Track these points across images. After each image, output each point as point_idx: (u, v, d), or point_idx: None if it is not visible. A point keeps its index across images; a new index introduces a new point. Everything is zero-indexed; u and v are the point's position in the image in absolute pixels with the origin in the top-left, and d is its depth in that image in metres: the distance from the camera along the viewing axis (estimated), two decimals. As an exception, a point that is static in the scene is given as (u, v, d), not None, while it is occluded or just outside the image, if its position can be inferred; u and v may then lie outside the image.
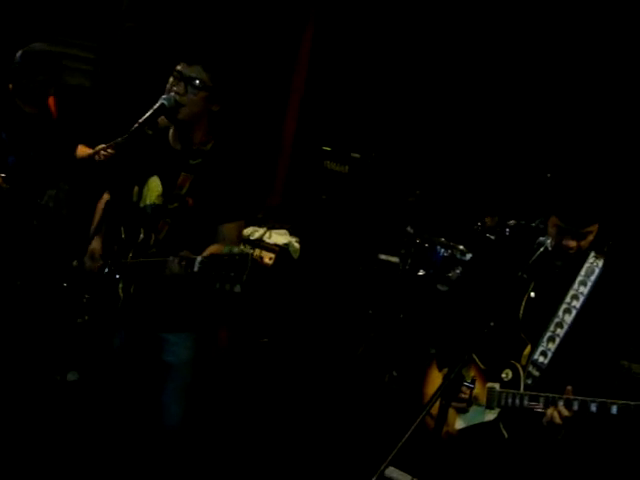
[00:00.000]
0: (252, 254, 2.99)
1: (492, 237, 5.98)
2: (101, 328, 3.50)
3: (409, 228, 6.40)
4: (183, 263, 3.09)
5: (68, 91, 5.09)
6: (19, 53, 4.64)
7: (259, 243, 6.34)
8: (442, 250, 6.18)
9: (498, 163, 7.09)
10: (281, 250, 6.38)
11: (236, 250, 2.95)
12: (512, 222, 5.87)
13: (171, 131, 3.48)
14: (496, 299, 3.15)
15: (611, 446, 3.98)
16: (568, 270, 3.21)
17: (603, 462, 4.03)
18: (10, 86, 4.70)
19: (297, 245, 6.50)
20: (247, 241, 6.22)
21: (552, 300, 3.21)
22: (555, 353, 3.16)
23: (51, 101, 4.89)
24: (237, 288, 2.94)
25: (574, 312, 3.17)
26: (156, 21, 6.90)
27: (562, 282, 3.22)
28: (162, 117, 3.34)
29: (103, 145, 4.82)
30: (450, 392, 2.87)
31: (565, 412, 2.91)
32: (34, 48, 4.66)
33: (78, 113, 5.17)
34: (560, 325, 3.17)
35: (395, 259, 6.53)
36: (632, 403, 2.79)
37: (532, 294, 3.23)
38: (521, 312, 3.22)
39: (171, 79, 3.35)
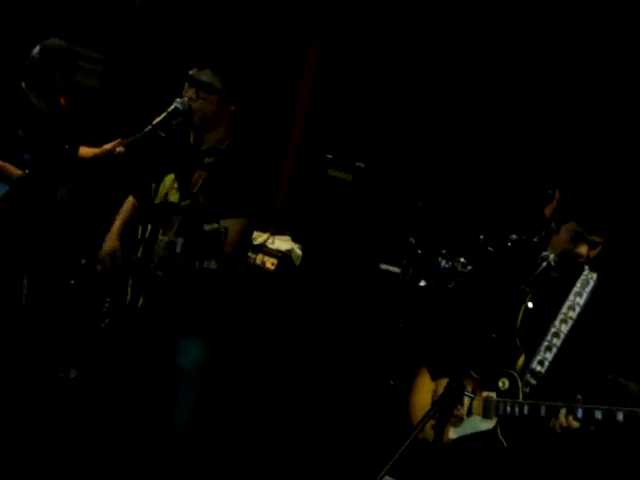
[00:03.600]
0: (225, 228, 2.97)
1: (492, 250, 6.02)
2: (117, 329, 3.51)
3: (411, 239, 6.44)
4: (167, 246, 3.11)
5: (77, 90, 5.11)
6: (36, 49, 4.67)
7: (262, 248, 6.37)
8: (443, 262, 6.22)
9: (501, 176, 7.13)
10: (283, 256, 6.40)
11: (208, 227, 2.96)
12: (514, 236, 5.92)
13: (192, 132, 3.53)
14: (496, 310, 3.19)
15: (614, 455, 4.01)
16: (564, 281, 3.26)
17: (606, 470, 4.07)
18: (23, 84, 4.73)
19: (299, 252, 6.52)
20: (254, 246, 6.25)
21: (549, 310, 3.26)
22: (552, 362, 3.20)
23: (62, 99, 4.93)
24: (213, 264, 2.95)
25: (570, 322, 3.21)
26: (167, 23, 6.93)
27: (558, 293, 3.27)
28: (178, 119, 3.38)
29: (111, 144, 4.86)
30: (451, 402, 2.90)
31: (572, 421, 2.93)
32: (52, 43, 4.70)
33: (86, 113, 5.20)
34: (557, 335, 3.21)
35: (396, 269, 6.57)
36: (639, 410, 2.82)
37: (530, 304, 3.27)
38: (518, 321, 3.25)
39: (186, 84, 3.41)
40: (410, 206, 6.75)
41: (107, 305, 3.45)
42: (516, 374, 3.20)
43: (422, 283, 6.20)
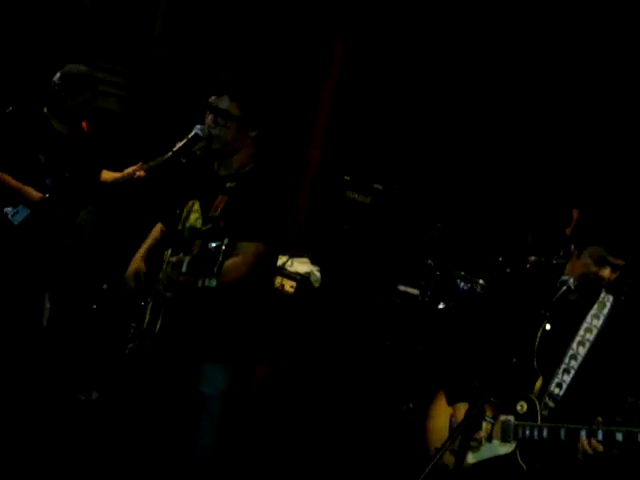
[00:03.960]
0: (225, 244, 2.95)
1: (511, 272, 6.00)
2: (144, 354, 3.52)
3: (430, 261, 6.44)
4: (175, 266, 3.13)
5: (98, 115, 5.17)
6: (57, 75, 4.74)
7: (281, 271, 6.37)
8: (462, 284, 6.21)
9: (521, 197, 7.13)
10: (302, 279, 6.41)
11: (212, 245, 2.96)
12: (533, 258, 5.90)
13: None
14: (514, 333, 3.20)
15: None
16: (581, 304, 3.27)
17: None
18: (45, 109, 4.80)
19: (318, 274, 6.53)
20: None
21: (566, 333, 3.26)
22: (570, 385, 3.20)
23: (84, 124, 4.99)
24: (212, 282, 2.94)
25: (588, 345, 3.22)
26: (188, 48, 7.00)
27: (575, 315, 3.28)
28: (200, 145, 3.41)
29: (133, 168, 4.90)
30: (472, 427, 2.90)
31: (596, 445, 2.92)
32: (73, 69, 4.78)
33: (107, 137, 5.25)
34: (574, 357, 3.22)
35: (415, 291, 6.56)
36: None
37: (547, 326, 3.26)
38: (536, 344, 3.25)
39: (207, 111, 3.44)
40: (428, 228, 6.76)
41: (132, 330, 3.46)
42: (534, 397, 3.19)
43: (441, 305, 6.19)
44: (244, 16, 7.15)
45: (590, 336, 3.23)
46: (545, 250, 5.86)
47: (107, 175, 5.11)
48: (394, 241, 7.04)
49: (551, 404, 3.21)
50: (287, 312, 6.13)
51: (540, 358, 3.24)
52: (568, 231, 6.17)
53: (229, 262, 3.20)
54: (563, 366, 3.22)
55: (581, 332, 3.25)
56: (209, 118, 3.42)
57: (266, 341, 3.71)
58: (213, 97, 3.44)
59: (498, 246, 6.46)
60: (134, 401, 3.68)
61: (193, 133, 3.40)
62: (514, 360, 2.97)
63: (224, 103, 3.41)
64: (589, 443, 2.93)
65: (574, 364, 3.21)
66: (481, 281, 6.16)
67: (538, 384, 3.23)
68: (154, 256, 3.60)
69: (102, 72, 6.35)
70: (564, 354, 3.23)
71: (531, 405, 3.18)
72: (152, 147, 4.03)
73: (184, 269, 3.07)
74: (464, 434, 2.86)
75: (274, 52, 7.20)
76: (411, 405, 5.74)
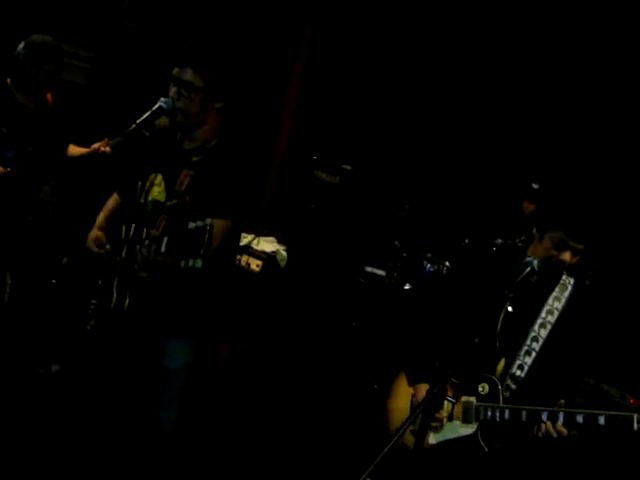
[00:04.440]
0: (210, 225, 2.92)
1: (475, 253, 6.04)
2: (103, 330, 3.48)
3: (397, 242, 6.45)
4: (152, 245, 3.09)
5: (64, 88, 5.09)
6: (22, 44, 4.64)
7: (247, 250, 6.35)
8: (429, 265, 6.24)
9: (486, 180, 7.16)
10: (268, 258, 6.39)
11: (193, 225, 2.94)
12: (499, 240, 5.94)
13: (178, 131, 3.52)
14: (478, 314, 3.20)
15: (595, 460, 4.03)
16: (543, 286, 3.29)
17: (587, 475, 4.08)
18: (8, 80, 4.71)
19: (284, 253, 6.52)
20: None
21: (528, 314, 3.28)
22: (531, 367, 3.22)
23: (49, 96, 4.91)
24: (198, 263, 2.92)
25: (549, 327, 3.25)
26: (155, 22, 6.92)
27: (537, 297, 3.30)
28: (162, 118, 3.37)
29: (99, 143, 4.83)
30: (433, 407, 2.90)
31: (561, 428, 2.94)
32: (38, 39, 4.67)
33: (73, 110, 5.18)
34: (536, 339, 3.24)
35: (381, 272, 6.58)
36: (620, 413, 2.86)
37: (509, 308, 3.28)
38: (499, 326, 3.26)
39: (171, 83, 3.39)
40: (396, 209, 6.77)
41: (92, 307, 3.42)
42: (496, 379, 3.21)
43: (407, 286, 6.21)
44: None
45: (551, 318, 3.26)
46: (509, 232, 5.89)
47: (74, 150, 5.03)
48: (361, 222, 7.04)
49: (513, 386, 3.23)
50: (253, 291, 6.12)
51: (502, 339, 3.25)
52: (525, 205, 6.21)
53: None
54: (525, 348, 3.24)
55: (542, 314, 3.27)
56: (173, 90, 3.37)
57: (231, 318, 3.69)
58: (176, 69, 3.39)
59: (464, 228, 6.49)
60: (95, 375, 3.66)
61: (157, 105, 3.35)
62: (476, 340, 2.96)
63: (187, 75, 3.35)
64: (553, 426, 2.95)
65: (535, 346, 3.23)
66: (447, 263, 6.20)
67: (500, 365, 3.24)
68: (112, 229, 3.55)
69: (69, 45, 6.27)
70: (526, 336, 3.25)
71: (493, 386, 3.19)
72: (118, 120, 3.97)
73: (163, 249, 3.03)
74: (425, 414, 2.86)
75: (244, 27, 7.14)
76: (376, 386, 5.76)
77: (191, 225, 2.93)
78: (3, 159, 4.61)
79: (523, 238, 5.62)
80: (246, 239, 6.43)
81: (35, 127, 4.75)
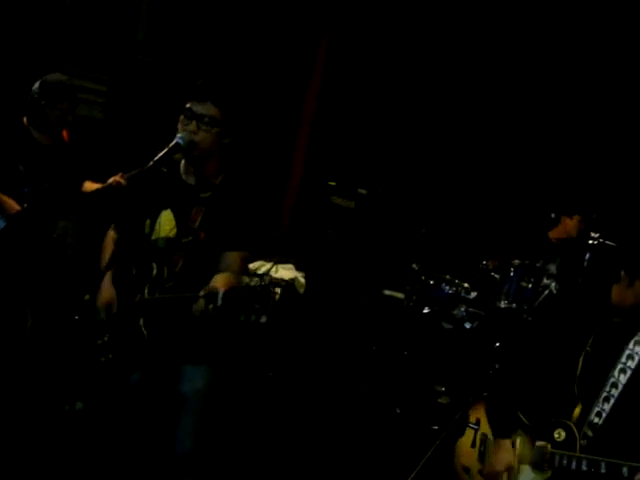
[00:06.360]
0: (270, 283, 3.05)
1: (497, 276, 6.02)
2: (123, 365, 3.49)
3: (414, 265, 6.44)
4: (207, 299, 3.13)
5: (80, 123, 5.15)
6: (37, 84, 4.72)
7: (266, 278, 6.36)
8: (447, 287, 6.22)
9: (503, 203, 7.15)
10: (287, 285, 6.40)
11: (254, 282, 3.04)
12: (517, 262, 5.91)
13: (182, 165, 3.53)
14: (558, 355, 3.14)
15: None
16: (625, 329, 3.12)
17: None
18: (25, 119, 4.77)
19: (303, 280, 6.53)
20: (254, 275, 6.24)
21: (608, 358, 3.11)
22: (609, 414, 3.04)
23: (64, 133, 4.96)
24: (263, 319, 3.02)
25: (629, 372, 3.05)
26: (169, 55, 6.99)
27: (618, 340, 3.12)
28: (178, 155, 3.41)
29: (114, 177, 4.87)
30: (455, 434, 2.88)
31: None
32: (52, 78, 4.75)
33: (89, 145, 5.23)
34: (615, 385, 3.06)
35: (400, 295, 6.57)
36: None
37: (588, 349, 3.14)
38: (579, 368, 3.13)
39: (182, 117, 3.41)
40: (413, 232, 6.76)
41: (105, 340, 3.44)
42: (572, 425, 3.06)
43: (426, 309, 6.20)
44: (226, 23, 7.14)
45: (632, 363, 3.05)
46: (527, 253, 5.87)
47: (89, 186, 5.08)
48: (379, 246, 7.05)
49: (590, 433, 3.05)
50: (272, 318, 6.11)
51: (581, 384, 3.11)
52: (551, 234, 6.21)
53: (222, 274, 3.32)
54: (604, 394, 3.06)
55: (623, 359, 3.07)
56: (192, 124, 3.39)
57: (250, 345, 3.72)
58: (193, 102, 3.41)
59: (482, 250, 6.48)
60: (117, 408, 3.66)
61: (174, 142, 3.38)
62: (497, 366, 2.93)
63: (207, 109, 3.39)
64: None
65: (614, 392, 3.04)
66: (466, 284, 6.18)
67: (577, 411, 3.09)
68: (120, 268, 3.54)
69: (84, 80, 6.34)
70: (606, 380, 3.07)
71: (570, 433, 3.05)
72: (134, 154, 3.99)
73: (219, 303, 3.10)
74: (447, 439, 2.84)
75: (257, 58, 7.19)
76: (398, 410, 5.73)
77: (248, 280, 3.07)
78: (19, 196, 4.66)
79: (547, 259, 5.56)
80: (265, 267, 6.44)
81: (51, 163, 4.81)
